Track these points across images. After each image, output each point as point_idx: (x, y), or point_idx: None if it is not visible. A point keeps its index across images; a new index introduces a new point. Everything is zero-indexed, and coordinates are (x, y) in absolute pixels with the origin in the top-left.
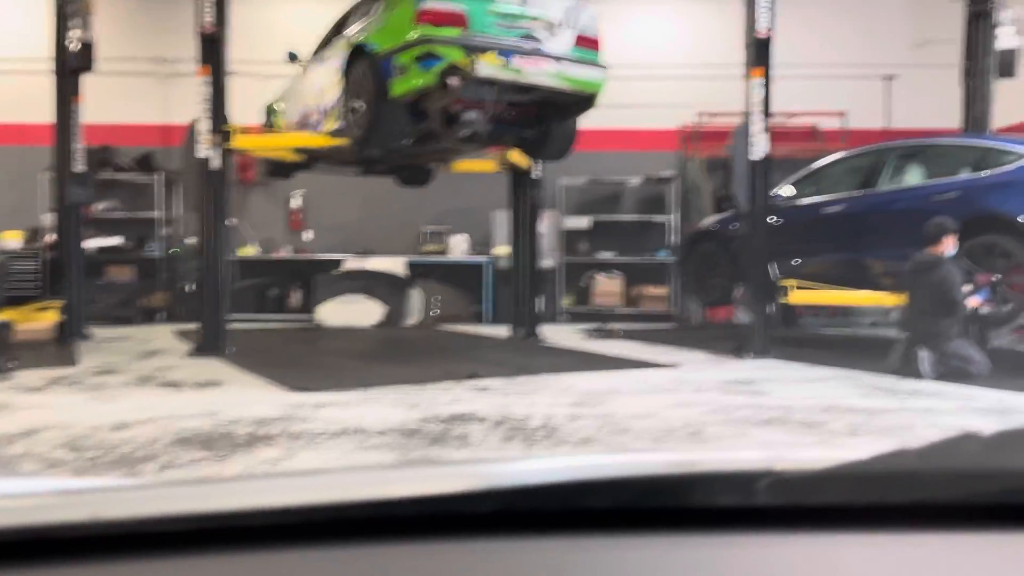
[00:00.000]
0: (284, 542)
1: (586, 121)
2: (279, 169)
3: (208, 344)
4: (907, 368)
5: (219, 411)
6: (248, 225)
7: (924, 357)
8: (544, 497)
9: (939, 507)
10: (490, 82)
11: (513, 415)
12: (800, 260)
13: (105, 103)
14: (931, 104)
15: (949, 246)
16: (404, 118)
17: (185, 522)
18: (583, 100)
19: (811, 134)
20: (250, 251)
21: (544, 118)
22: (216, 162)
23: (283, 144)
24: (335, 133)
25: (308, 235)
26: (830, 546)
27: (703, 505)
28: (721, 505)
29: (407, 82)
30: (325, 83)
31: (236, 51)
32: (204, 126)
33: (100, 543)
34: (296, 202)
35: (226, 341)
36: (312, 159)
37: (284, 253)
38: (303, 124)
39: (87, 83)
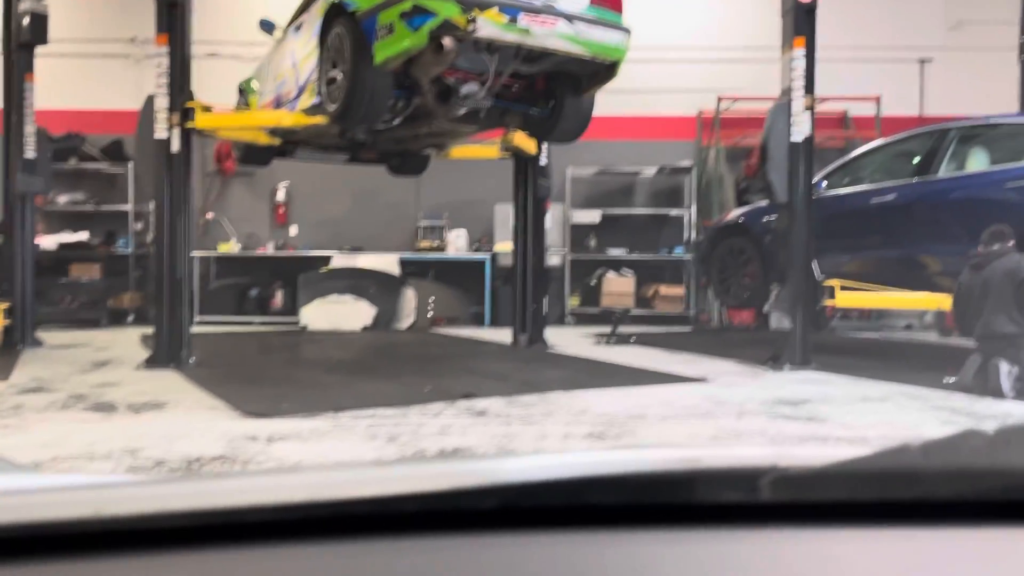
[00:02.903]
0: (287, 539)
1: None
2: (254, 155)
3: (164, 354)
4: (983, 385)
5: (144, 447)
6: (228, 219)
7: (1005, 372)
8: (547, 493)
9: (943, 504)
10: (491, 46)
11: (518, 450)
12: (842, 257)
13: (71, 87)
14: (969, 89)
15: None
16: (388, 90)
17: (187, 518)
18: (602, 69)
19: (841, 122)
20: (230, 247)
21: (555, 92)
22: (176, 144)
23: (251, 123)
24: (311, 111)
25: (293, 230)
26: (834, 542)
27: (707, 501)
28: (725, 501)
29: (392, 45)
30: (301, 53)
31: (214, 30)
32: (162, 103)
33: (103, 539)
34: (281, 195)
35: (188, 350)
36: (291, 144)
37: (267, 249)
38: (279, 102)
39: (51, 66)
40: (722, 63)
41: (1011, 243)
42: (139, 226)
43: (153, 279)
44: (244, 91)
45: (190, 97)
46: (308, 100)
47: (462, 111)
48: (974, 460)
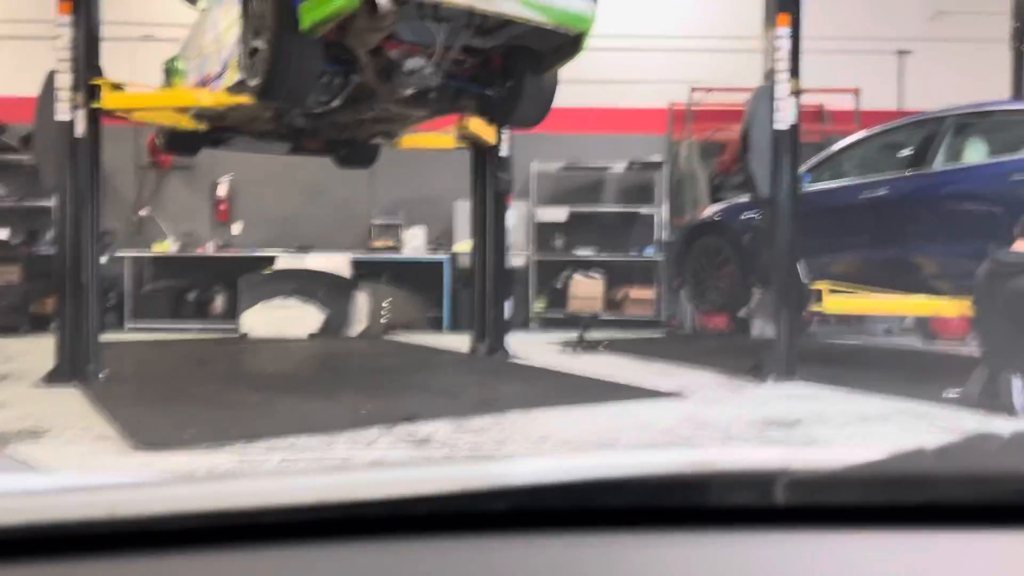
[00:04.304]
0: (299, 539)
1: (560, 99)
2: (180, 142)
3: (67, 369)
4: (992, 401)
5: None
6: (165, 217)
7: (1016, 387)
8: (558, 495)
9: (957, 507)
10: (438, 12)
11: None
12: (828, 258)
13: None
14: (949, 81)
15: None
16: (318, 61)
17: (201, 519)
18: (566, 43)
19: (818, 115)
20: (166, 247)
21: (514, 70)
22: (80, 127)
23: (166, 103)
24: (235, 89)
25: (237, 228)
26: (846, 545)
27: (719, 504)
28: (737, 504)
29: (319, 7)
30: (223, 24)
31: (149, 10)
32: (64, 81)
33: (118, 540)
34: (223, 190)
35: (97, 363)
36: (223, 130)
37: (207, 249)
38: (204, 81)
39: None
40: (695, 53)
41: None
42: None
43: (55, 283)
44: (169, 71)
45: (98, 74)
46: (232, 77)
47: (408, 91)
48: (988, 464)
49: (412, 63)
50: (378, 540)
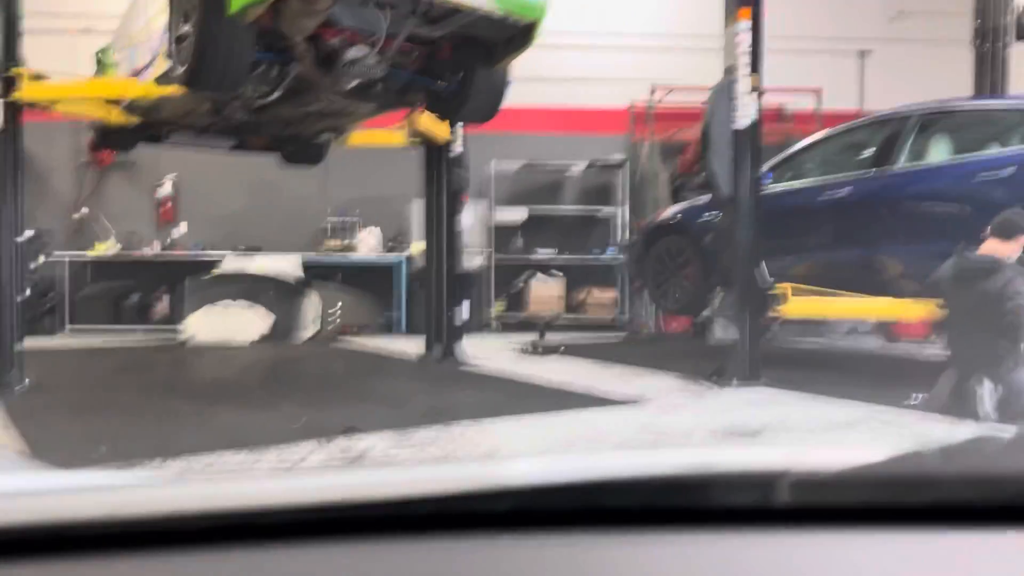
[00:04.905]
0: (301, 539)
1: (518, 98)
2: (113, 138)
3: None
4: (960, 407)
5: None
6: (104, 216)
7: (984, 393)
8: (562, 496)
9: (959, 508)
10: None
11: None
12: (790, 259)
13: None
14: (910, 82)
15: (1015, 248)
16: (249, 48)
17: (202, 519)
18: (518, 34)
19: (777, 115)
20: (107, 248)
21: (464, 63)
22: None
23: (88, 93)
24: (165, 79)
25: (182, 229)
26: (848, 545)
27: (720, 505)
28: (738, 505)
29: None
30: (153, 10)
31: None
32: None
33: (123, 539)
34: (166, 189)
35: (18, 372)
36: (160, 125)
37: (150, 251)
38: (136, 72)
39: None
40: (656, 52)
41: (1021, 239)
42: None
43: None
44: (101, 63)
45: (16, 63)
46: (162, 66)
47: (352, 83)
48: (990, 465)
49: (353, 52)
50: (380, 540)
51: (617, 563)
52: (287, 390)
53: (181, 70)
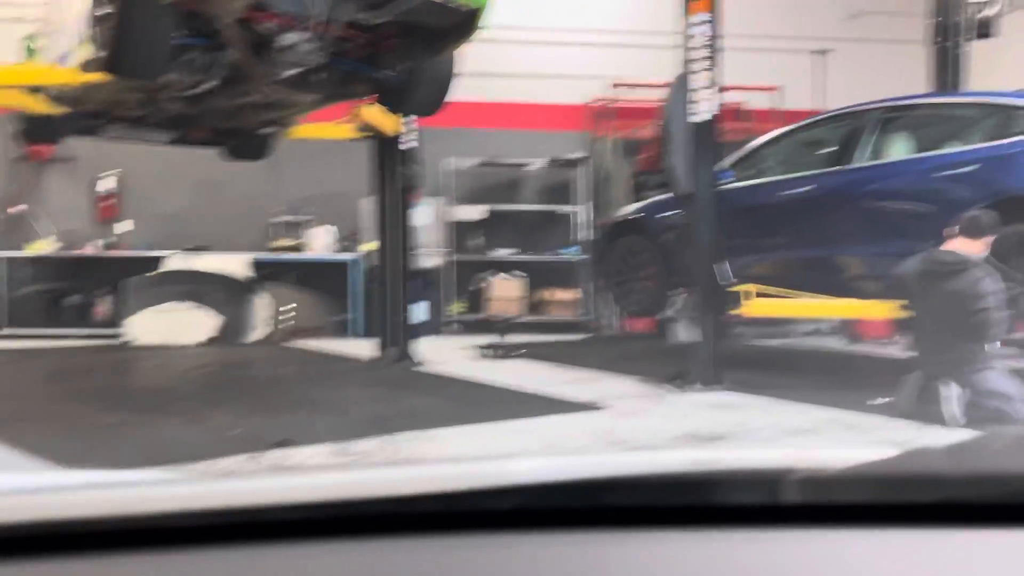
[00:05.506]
0: (304, 537)
1: (478, 93)
2: (39, 129)
3: None
4: (925, 410)
5: None
6: (43, 213)
7: (951, 396)
8: (565, 494)
9: (966, 506)
10: None
11: None
12: (750, 258)
13: None
14: (868, 81)
15: (982, 248)
16: (168, 30)
17: (204, 517)
18: (462, 21)
19: (736, 114)
20: (45, 246)
21: (408, 51)
22: None
23: (5, 81)
24: (89, 65)
25: (125, 226)
26: (854, 543)
27: (725, 503)
28: (743, 503)
29: None
30: None
31: None
32: None
33: (127, 537)
34: (108, 185)
35: None
36: (88, 116)
37: (92, 249)
38: (61, 58)
39: None
40: (617, 48)
41: (990, 237)
42: None
43: None
44: (29, 50)
45: None
46: (87, 52)
47: (289, 71)
48: (997, 463)
49: (289, 38)
50: (383, 538)
51: (620, 562)
52: (225, 397)
53: (102, 55)
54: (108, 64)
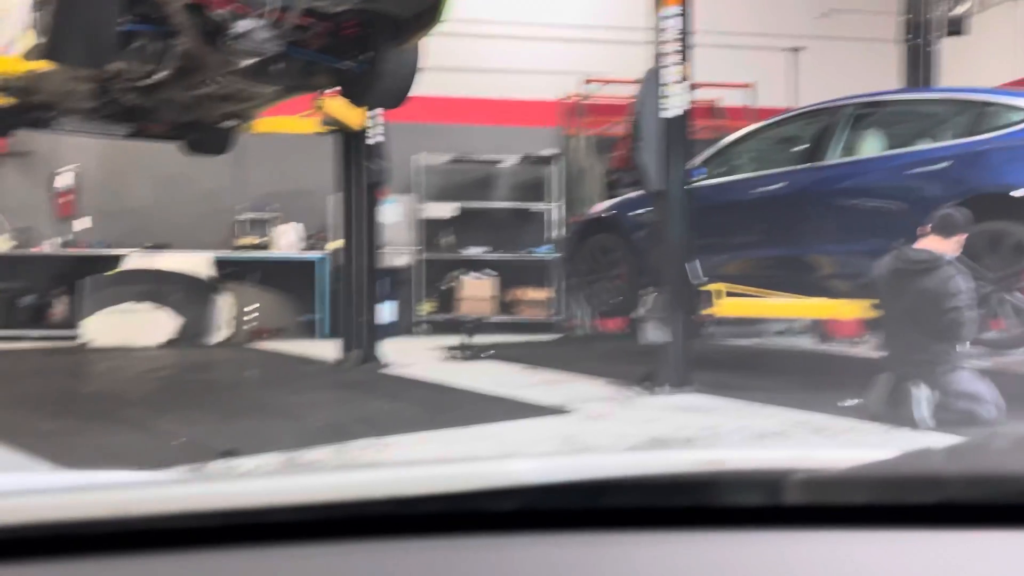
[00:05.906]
0: (305, 538)
1: (449, 88)
2: None
3: None
4: (895, 412)
5: None
6: None
7: (921, 397)
8: (568, 495)
9: (967, 507)
10: None
11: None
12: (721, 257)
13: None
14: (840, 79)
15: (954, 246)
16: (112, 15)
17: (205, 518)
18: (425, 9)
19: (710, 111)
20: None
21: (370, 41)
22: None
23: None
24: (32, 54)
25: (84, 223)
26: (856, 544)
27: (726, 504)
28: (746, 504)
29: None
30: None
31: None
32: None
33: (128, 538)
34: (66, 180)
35: None
36: (38, 108)
37: (48, 247)
38: (7, 47)
39: None
40: (590, 43)
41: (962, 236)
42: None
43: None
44: None
45: None
46: (30, 39)
47: (245, 61)
48: (998, 464)
49: (242, 25)
50: (384, 539)
51: (622, 563)
52: (175, 401)
53: (42, 40)
54: (49, 51)
